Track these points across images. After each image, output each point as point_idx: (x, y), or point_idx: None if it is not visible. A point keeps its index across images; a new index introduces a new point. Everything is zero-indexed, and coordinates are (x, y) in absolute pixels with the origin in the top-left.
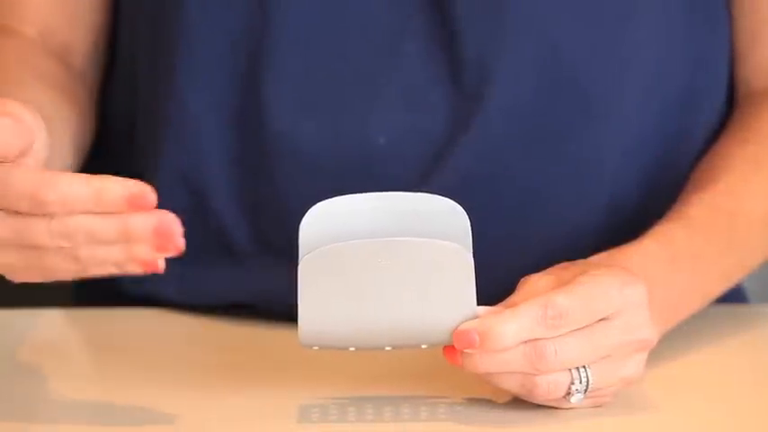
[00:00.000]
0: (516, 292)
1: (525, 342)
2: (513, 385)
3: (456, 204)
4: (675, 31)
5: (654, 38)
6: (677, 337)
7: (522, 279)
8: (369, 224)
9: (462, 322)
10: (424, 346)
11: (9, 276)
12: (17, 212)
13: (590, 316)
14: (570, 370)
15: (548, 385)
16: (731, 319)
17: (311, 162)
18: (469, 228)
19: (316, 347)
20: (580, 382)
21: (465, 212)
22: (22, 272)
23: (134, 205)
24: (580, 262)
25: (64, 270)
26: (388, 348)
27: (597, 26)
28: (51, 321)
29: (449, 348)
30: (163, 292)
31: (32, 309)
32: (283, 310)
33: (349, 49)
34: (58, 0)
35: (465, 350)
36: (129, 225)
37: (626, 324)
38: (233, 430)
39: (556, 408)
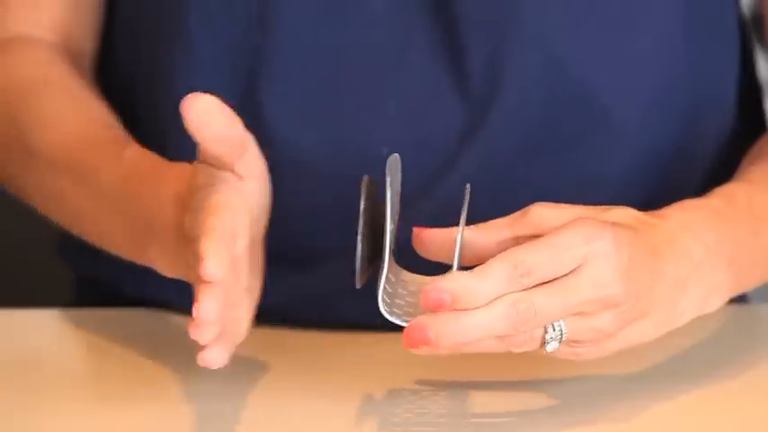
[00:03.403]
0: (523, 216)
1: (508, 305)
2: (490, 345)
3: None
4: (680, 43)
5: (659, 50)
6: (677, 337)
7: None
8: None
9: None
10: None
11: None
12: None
13: (558, 268)
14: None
15: (524, 339)
16: (731, 319)
17: (312, 172)
18: None
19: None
20: (554, 330)
21: None
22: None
23: None
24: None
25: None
26: None
27: (603, 38)
28: (51, 321)
29: (408, 335)
30: (164, 296)
31: (32, 309)
32: (280, 317)
33: (352, 59)
34: (75, 7)
35: (437, 311)
36: None
37: (594, 277)
38: (232, 430)
39: (554, 408)
